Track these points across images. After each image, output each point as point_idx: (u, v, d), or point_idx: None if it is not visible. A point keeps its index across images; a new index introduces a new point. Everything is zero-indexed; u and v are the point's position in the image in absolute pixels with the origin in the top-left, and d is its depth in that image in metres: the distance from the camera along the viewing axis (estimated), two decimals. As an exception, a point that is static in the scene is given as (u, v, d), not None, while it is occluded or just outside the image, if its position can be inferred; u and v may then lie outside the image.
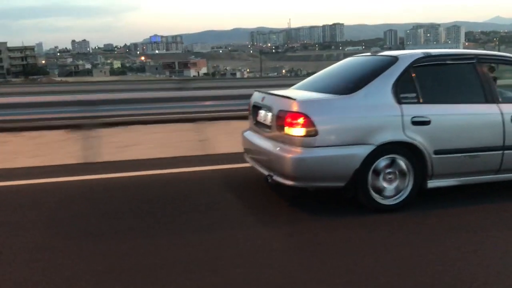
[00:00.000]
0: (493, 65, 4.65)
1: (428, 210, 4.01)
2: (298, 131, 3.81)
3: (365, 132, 3.85)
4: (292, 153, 3.85)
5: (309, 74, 5.43)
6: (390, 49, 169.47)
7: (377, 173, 3.93)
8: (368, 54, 4.67)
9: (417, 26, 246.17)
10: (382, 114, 3.91)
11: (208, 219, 3.87)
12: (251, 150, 4.61)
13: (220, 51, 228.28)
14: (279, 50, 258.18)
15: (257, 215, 3.98)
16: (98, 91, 10.83)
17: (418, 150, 3.96)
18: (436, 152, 4.00)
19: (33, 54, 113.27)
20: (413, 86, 4.04)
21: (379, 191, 3.97)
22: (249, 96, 4.93)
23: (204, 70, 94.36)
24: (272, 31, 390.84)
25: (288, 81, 10.68)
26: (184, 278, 2.84)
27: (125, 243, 3.38)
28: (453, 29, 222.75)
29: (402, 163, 3.98)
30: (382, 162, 3.93)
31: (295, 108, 3.86)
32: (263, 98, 4.47)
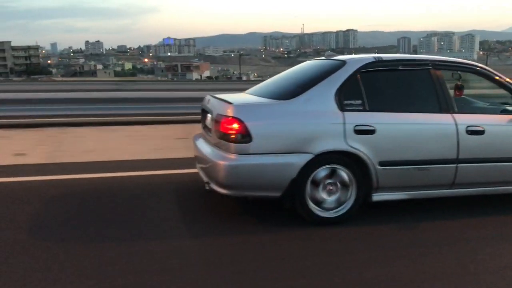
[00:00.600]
0: (459, 72, 4.42)
1: (376, 224, 3.78)
2: (232, 136, 3.60)
3: (303, 140, 3.62)
4: (225, 160, 3.63)
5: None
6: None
7: (316, 184, 3.70)
8: (323, 58, 4.44)
9: (431, 34, 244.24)
10: (322, 121, 3.67)
11: (153, 227, 3.68)
12: (196, 156, 4.40)
13: (232, 55, 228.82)
14: (291, 55, 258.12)
15: (203, 224, 3.76)
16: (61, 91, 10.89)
17: (361, 161, 3.72)
18: (382, 164, 3.75)
19: (37, 53, 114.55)
20: (359, 92, 3.80)
21: (319, 203, 3.73)
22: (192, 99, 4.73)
23: (207, 73, 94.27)
24: (285, 36, 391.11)
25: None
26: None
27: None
28: (467, 37, 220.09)
29: (343, 174, 3.74)
30: (321, 173, 3.70)
31: (229, 112, 3.65)
32: (208, 101, 4.27)
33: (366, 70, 3.89)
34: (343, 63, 3.96)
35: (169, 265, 3.01)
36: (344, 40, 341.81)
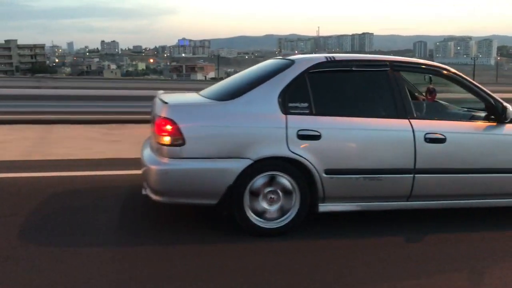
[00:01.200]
0: (429, 75, 4.12)
1: (317, 236, 3.49)
2: (165, 139, 3.35)
3: (241, 145, 3.35)
4: (156, 164, 3.38)
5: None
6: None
7: (256, 192, 3.42)
8: (279, 57, 4.15)
9: (448, 39, 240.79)
10: (262, 124, 3.40)
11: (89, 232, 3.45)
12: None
13: (246, 57, 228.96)
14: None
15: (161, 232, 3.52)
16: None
17: (305, 168, 3.43)
18: (328, 172, 3.46)
19: (43, 52, 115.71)
20: (306, 94, 3.52)
21: (259, 212, 3.46)
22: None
23: (212, 74, 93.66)
24: (300, 39, 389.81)
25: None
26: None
27: None
28: (485, 42, 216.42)
29: (286, 182, 3.46)
30: (261, 180, 3.42)
31: (163, 113, 3.40)
32: (154, 102, 4.02)
33: (316, 70, 3.60)
34: (291, 62, 3.68)
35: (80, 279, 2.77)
36: (360, 44, 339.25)
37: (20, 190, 4.50)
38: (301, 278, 2.85)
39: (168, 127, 3.32)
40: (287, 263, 3.07)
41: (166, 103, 3.47)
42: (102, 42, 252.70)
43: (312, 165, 3.41)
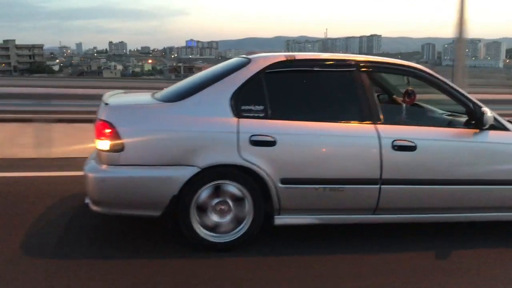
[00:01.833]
0: (409, 76, 3.76)
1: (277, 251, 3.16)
2: (103, 143, 3.05)
3: (187, 151, 3.04)
4: (93, 172, 3.09)
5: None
6: (426, 63, 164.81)
7: (203, 203, 3.12)
8: (243, 56, 3.84)
9: (455, 41, 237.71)
10: (211, 129, 3.09)
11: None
12: None
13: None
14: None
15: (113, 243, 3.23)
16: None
17: (258, 178, 3.12)
18: (284, 181, 3.14)
19: (41, 52, 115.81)
20: (262, 96, 3.20)
21: (208, 225, 3.15)
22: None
23: None
24: (308, 40, 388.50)
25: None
26: None
27: None
28: (493, 45, 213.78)
29: (238, 192, 3.14)
30: (209, 190, 3.11)
31: (102, 115, 3.10)
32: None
33: (273, 70, 3.28)
34: (247, 61, 3.37)
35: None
36: (368, 46, 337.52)
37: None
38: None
39: (107, 130, 3.02)
40: (248, 277, 2.80)
41: (106, 104, 3.17)
42: (110, 43, 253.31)
43: (266, 173, 3.10)
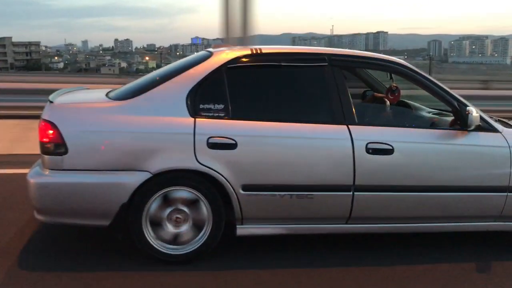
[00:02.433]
0: (389, 71, 3.46)
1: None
2: (46, 146, 2.77)
3: (138, 155, 2.75)
4: (35, 177, 2.81)
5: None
6: (432, 59, 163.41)
7: (157, 212, 2.83)
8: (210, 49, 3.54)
9: (464, 38, 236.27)
10: (165, 130, 2.79)
11: None
12: None
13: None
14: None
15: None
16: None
17: (218, 184, 2.83)
18: (246, 188, 2.85)
19: (38, 50, 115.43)
20: (223, 94, 2.91)
21: (161, 236, 2.86)
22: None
23: None
24: (314, 37, 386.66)
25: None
26: None
27: None
28: (501, 41, 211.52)
29: (196, 199, 2.85)
30: (163, 197, 2.83)
31: (46, 115, 2.82)
32: None
33: (237, 65, 2.98)
34: (208, 55, 3.07)
35: None
36: (374, 43, 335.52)
37: None
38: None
39: (49, 131, 2.74)
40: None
41: (51, 102, 2.90)
42: (116, 40, 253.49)
43: (226, 179, 2.81)
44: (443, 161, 3.03)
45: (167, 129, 2.79)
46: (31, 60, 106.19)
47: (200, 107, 2.85)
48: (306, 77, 3.10)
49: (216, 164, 2.79)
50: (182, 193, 2.83)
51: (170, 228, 2.86)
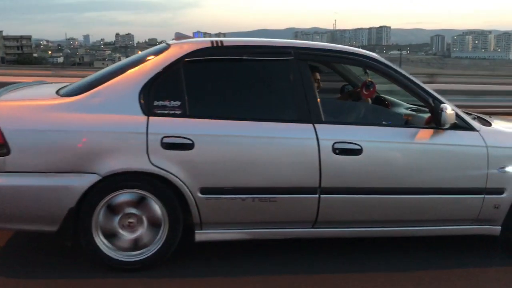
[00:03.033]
0: (367, 67, 3.26)
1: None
2: (-14, 146, 2.59)
3: (86, 156, 2.57)
4: None
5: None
6: (435, 55, 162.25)
7: (108, 215, 2.65)
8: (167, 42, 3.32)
9: (467, 32, 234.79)
10: (115, 129, 2.61)
11: None
12: None
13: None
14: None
15: None
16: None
17: (174, 187, 2.65)
18: (204, 191, 2.67)
19: (29, 44, 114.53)
20: (180, 89, 2.72)
21: (115, 241, 2.69)
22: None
23: None
24: (316, 32, 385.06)
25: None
26: None
27: None
28: (504, 36, 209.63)
29: (151, 203, 2.68)
30: (115, 200, 2.65)
31: (-13, 113, 2.64)
32: None
33: (195, 58, 2.79)
34: (166, 47, 2.88)
35: None
36: (377, 37, 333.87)
37: None
38: None
39: None
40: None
41: (-4, 99, 2.72)
42: (117, 35, 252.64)
43: (183, 182, 2.63)
44: (416, 161, 2.84)
45: (117, 128, 2.60)
46: (23, 54, 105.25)
47: (155, 104, 2.67)
48: (269, 72, 2.91)
49: (171, 165, 2.61)
50: (133, 195, 2.65)
51: (121, 233, 2.68)
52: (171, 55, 2.78)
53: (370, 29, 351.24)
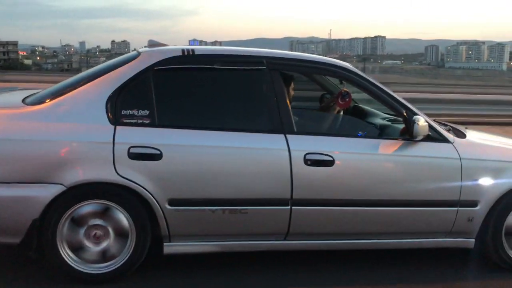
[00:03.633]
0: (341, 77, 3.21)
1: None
2: (-50, 156, 2.52)
3: (50, 166, 2.51)
4: None
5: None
6: (428, 65, 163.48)
7: (71, 229, 2.59)
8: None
9: (461, 43, 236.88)
10: (80, 138, 2.56)
11: None
12: None
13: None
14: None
15: None
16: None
17: (141, 198, 2.59)
18: (173, 203, 2.62)
19: (16, 49, 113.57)
20: (149, 99, 2.67)
21: (80, 254, 2.62)
22: None
23: None
24: (312, 41, 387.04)
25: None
26: None
27: None
28: (497, 47, 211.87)
29: (117, 215, 2.62)
30: (81, 212, 2.58)
31: (-48, 122, 2.57)
32: None
33: (165, 67, 2.74)
34: (136, 55, 2.84)
35: None
36: (372, 47, 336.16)
37: None
38: None
39: None
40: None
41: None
42: (113, 42, 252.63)
43: (150, 193, 2.57)
44: (388, 173, 2.81)
45: (82, 138, 2.55)
46: (9, 59, 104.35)
47: (122, 113, 2.62)
48: (241, 82, 2.87)
49: (138, 176, 2.56)
50: (99, 206, 2.59)
51: (87, 245, 2.61)
52: (140, 63, 2.73)
53: (365, 38, 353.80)
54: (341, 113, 3.31)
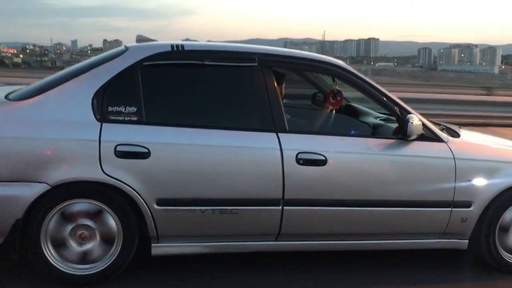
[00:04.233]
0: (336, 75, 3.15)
1: None
2: None
3: (34, 164, 2.44)
4: None
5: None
6: (421, 67, 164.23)
7: (56, 228, 2.51)
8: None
9: (453, 46, 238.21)
10: (65, 136, 2.48)
11: None
12: None
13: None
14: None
15: None
16: None
17: (128, 197, 2.52)
18: (161, 202, 2.55)
19: None
20: (137, 95, 2.61)
21: (64, 255, 2.54)
22: None
23: None
24: (305, 42, 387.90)
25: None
26: None
27: None
28: (489, 50, 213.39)
29: (104, 214, 2.54)
30: (66, 211, 2.51)
31: None
32: None
33: (154, 63, 2.68)
34: (123, 50, 2.77)
35: None
36: (366, 49, 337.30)
37: None
38: None
39: None
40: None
41: None
42: (104, 41, 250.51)
43: (138, 193, 2.50)
44: (381, 173, 2.76)
45: (67, 135, 2.47)
46: None
47: (109, 109, 2.55)
48: (232, 78, 2.81)
49: (125, 175, 2.49)
50: (84, 205, 2.51)
51: (72, 245, 2.54)
52: (128, 59, 2.66)
53: (359, 40, 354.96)
54: (334, 112, 3.26)
